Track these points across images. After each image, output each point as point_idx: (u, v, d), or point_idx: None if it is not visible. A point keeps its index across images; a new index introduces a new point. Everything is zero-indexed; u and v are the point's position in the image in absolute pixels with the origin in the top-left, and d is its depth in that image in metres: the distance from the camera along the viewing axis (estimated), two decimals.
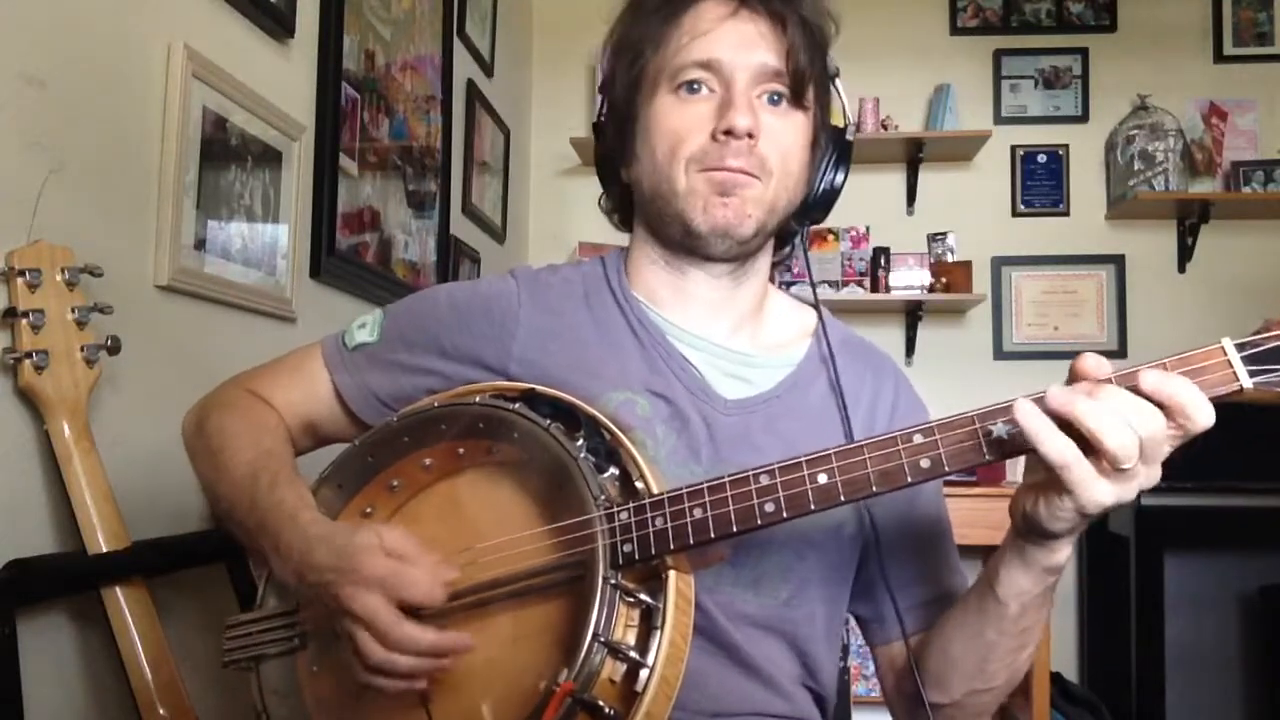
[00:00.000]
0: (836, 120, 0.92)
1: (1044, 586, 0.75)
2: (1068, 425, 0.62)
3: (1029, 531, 0.70)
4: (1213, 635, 3.00)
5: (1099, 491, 0.63)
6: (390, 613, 0.68)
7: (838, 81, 0.91)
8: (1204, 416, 0.62)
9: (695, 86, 0.85)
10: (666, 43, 0.86)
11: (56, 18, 1.08)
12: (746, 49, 0.84)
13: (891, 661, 0.94)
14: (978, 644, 0.81)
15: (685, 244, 0.88)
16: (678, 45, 0.86)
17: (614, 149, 0.93)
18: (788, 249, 0.99)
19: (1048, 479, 0.65)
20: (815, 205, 0.92)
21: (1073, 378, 0.66)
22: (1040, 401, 0.63)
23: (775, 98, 0.86)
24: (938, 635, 0.86)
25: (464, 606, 0.73)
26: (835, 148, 0.91)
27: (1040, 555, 0.72)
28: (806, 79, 0.86)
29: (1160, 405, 0.62)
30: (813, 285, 1.02)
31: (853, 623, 1.01)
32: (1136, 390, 0.62)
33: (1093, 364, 0.65)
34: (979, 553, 2.63)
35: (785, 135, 0.86)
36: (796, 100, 0.86)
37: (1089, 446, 0.62)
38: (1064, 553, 0.71)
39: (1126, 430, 0.61)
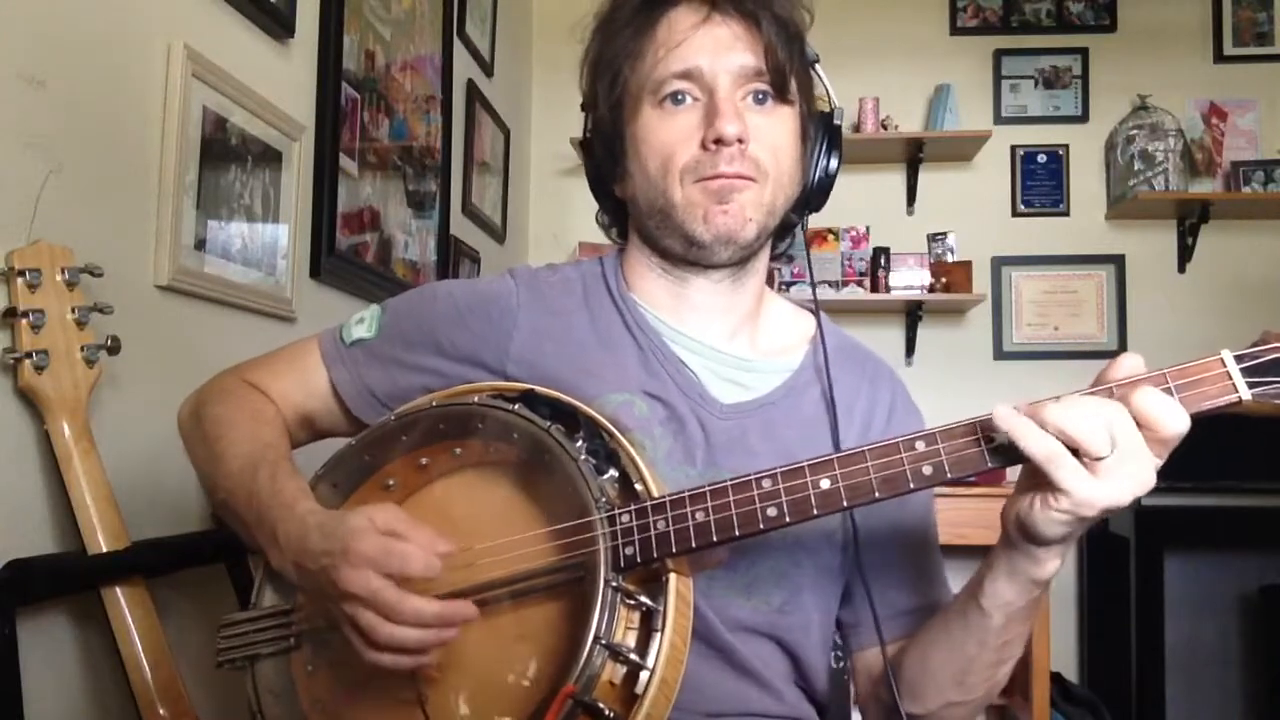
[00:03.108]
0: (823, 107, 0.92)
1: (1029, 599, 0.74)
2: None
3: (1021, 538, 0.70)
4: (1213, 635, 3.00)
5: (1090, 489, 0.63)
6: (391, 587, 0.67)
7: (818, 67, 0.90)
8: (1175, 424, 0.63)
9: (679, 98, 0.85)
10: (643, 57, 0.86)
11: (56, 18, 1.08)
12: (724, 53, 0.84)
13: (868, 668, 0.93)
14: (958, 655, 0.80)
15: (688, 255, 0.88)
16: (655, 59, 0.85)
17: (605, 166, 0.93)
18: (788, 241, 0.98)
19: (1041, 481, 0.65)
20: (813, 194, 0.92)
21: (1105, 374, 0.67)
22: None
23: (760, 97, 0.85)
24: (917, 645, 0.86)
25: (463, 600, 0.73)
26: (825, 134, 0.91)
27: (1028, 566, 0.71)
28: (788, 73, 0.85)
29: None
30: (813, 288, 1.02)
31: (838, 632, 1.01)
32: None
33: (1129, 364, 0.66)
34: (978, 553, 2.63)
35: (774, 133, 0.86)
36: (781, 96, 0.86)
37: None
38: (1051, 565, 0.71)
39: (1090, 418, 0.62)
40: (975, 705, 0.84)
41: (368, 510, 0.71)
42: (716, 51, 0.84)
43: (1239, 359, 0.64)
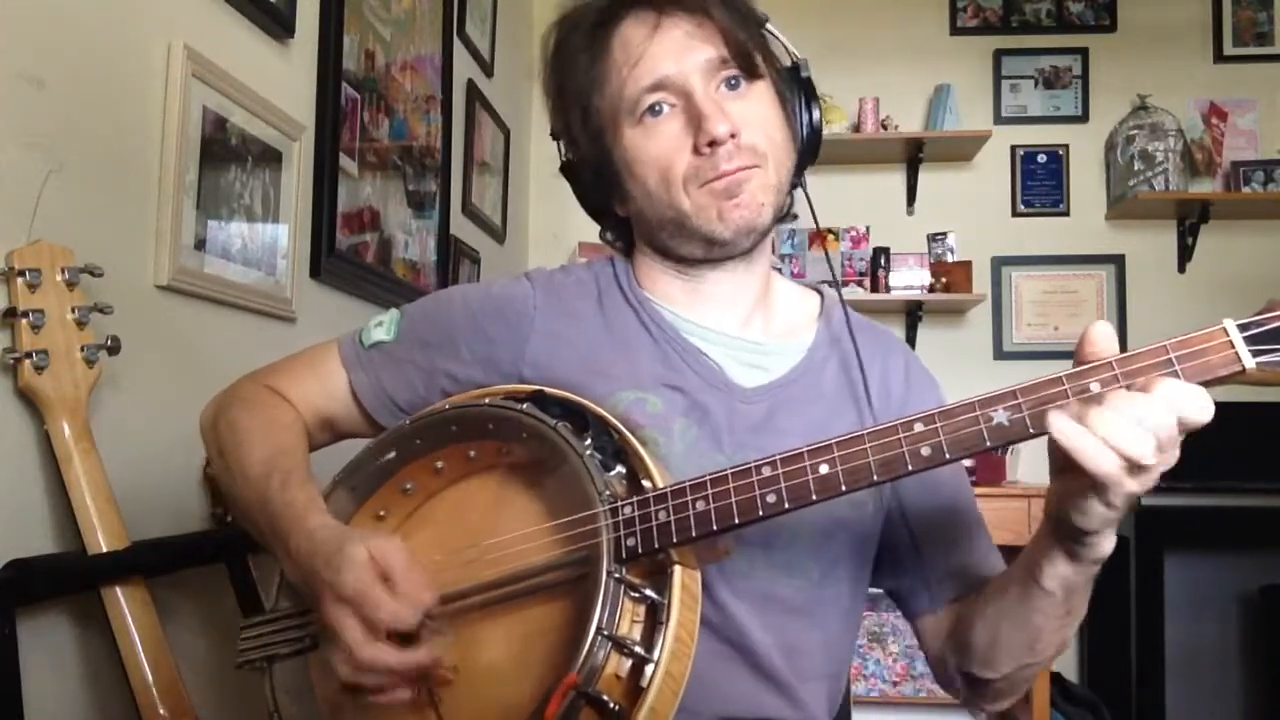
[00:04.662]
0: (787, 66, 0.92)
1: (1090, 573, 0.74)
2: None
3: (1068, 532, 0.69)
4: (1213, 635, 3.00)
5: (1127, 487, 0.62)
6: (357, 631, 0.67)
7: (770, 27, 0.90)
8: (1204, 415, 0.61)
9: (657, 109, 0.84)
10: (608, 81, 0.86)
11: (56, 18, 1.08)
12: (685, 53, 0.84)
13: (933, 630, 0.93)
14: (1027, 628, 0.80)
15: (710, 255, 0.88)
16: (620, 79, 0.85)
17: (599, 192, 0.93)
18: (788, 201, 0.98)
19: (1076, 484, 0.64)
20: (805, 152, 0.92)
21: (1081, 349, 0.66)
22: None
23: (733, 82, 0.85)
24: (981, 620, 0.85)
25: (472, 605, 0.73)
26: (799, 90, 0.91)
27: (1084, 551, 0.71)
28: (751, 51, 0.85)
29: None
30: (829, 259, 1.04)
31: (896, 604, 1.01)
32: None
33: (1102, 334, 0.65)
34: None
35: (758, 113, 0.85)
36: (751, 74, 0.86)
37: None
38: (1108, 543, 0.70)
39: (1146, 436, 0.60)
40: (1046, 662, 0.84)
41: (368, 541, 0.70)
42: (678, 54, 0.84)
43: (1242, 327, 0.63)
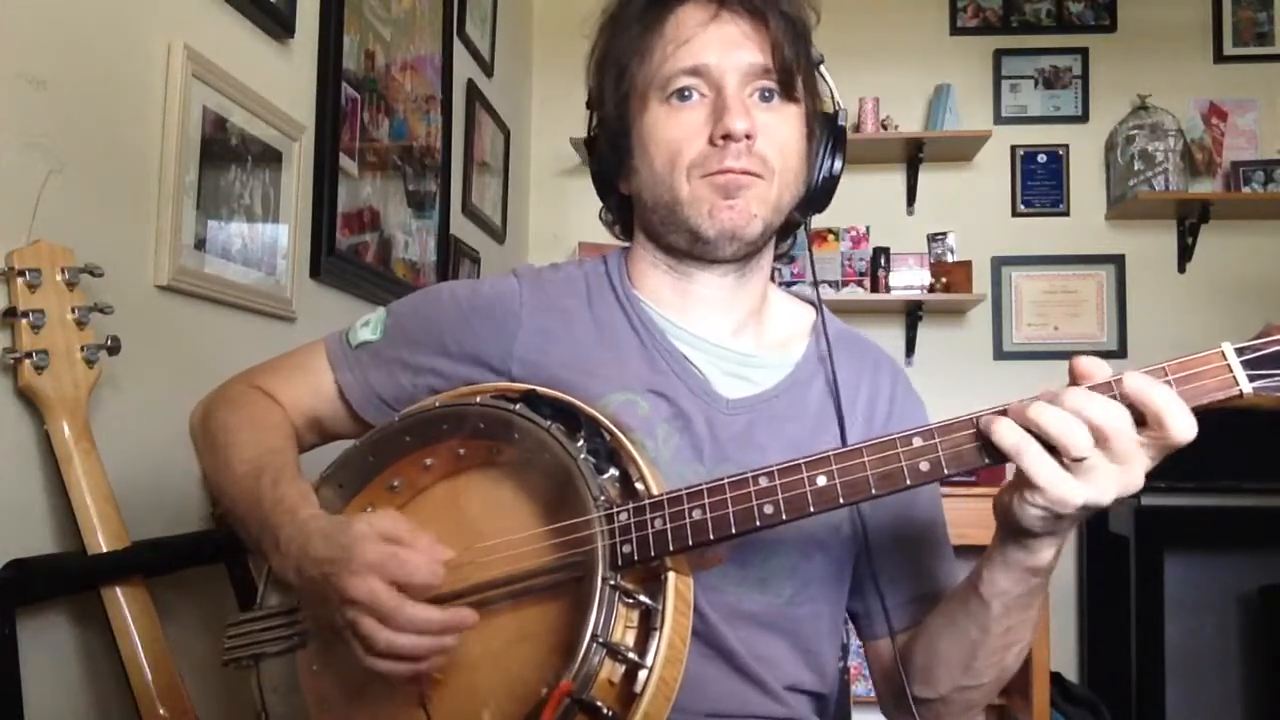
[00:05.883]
0: (827, 108, 0.92)
1: (1026, 588, 0.75)
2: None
3: (1008, 529, 0.71)
4: (1213, 635, 3.00)
5: (1065, 488, 0.63)
6: (391, 594, 0.67)
7: (823, 69, 0.91)
8: (1182, 428, 0.62)
9: (686, 94, 0.85)
10: (651, 53, 0.86)
11: (56, 18, 1.08)
12: (732, 50, 0.84)
13: (881, 657, 0.94)
14: (963, 642, 0.81)
15: (693, 250, 0.88)
16: (663, 55, 0.85)
17: (610, 163, 0.93)
18: (790, 240, 0.99)
19: (1020, 475, 0.65)
20: (816, 195, 0.92)
21: (1072, 379, 0.67)
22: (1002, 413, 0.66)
23: (767, 94, 0.86)
24: (925, 632, 0.87)
25: (464, 606, 0.73)
26: (830, 135, 0.91)
27: (1020, 555, 0.72)
28: (795, 72, 0.86)
29: (1137, 410, 0.63)
30: (815, 282, 1.03)
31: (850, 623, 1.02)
32: (1121, 393, 0.63)
33: (1087, 365, 0.66)
34: (978, 553, 2.64)
35: (781, 131, 0.86)
36: (788, 94, 0.86)
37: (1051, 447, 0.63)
38: (1044, 555, 0.71)
39: (1073, 422, 0.62)
40: (986, 690, 0.85)
41: (369, 517, 0.72)
42: (725, 49, 0.84)
43: (1240, 351, 0.64)
